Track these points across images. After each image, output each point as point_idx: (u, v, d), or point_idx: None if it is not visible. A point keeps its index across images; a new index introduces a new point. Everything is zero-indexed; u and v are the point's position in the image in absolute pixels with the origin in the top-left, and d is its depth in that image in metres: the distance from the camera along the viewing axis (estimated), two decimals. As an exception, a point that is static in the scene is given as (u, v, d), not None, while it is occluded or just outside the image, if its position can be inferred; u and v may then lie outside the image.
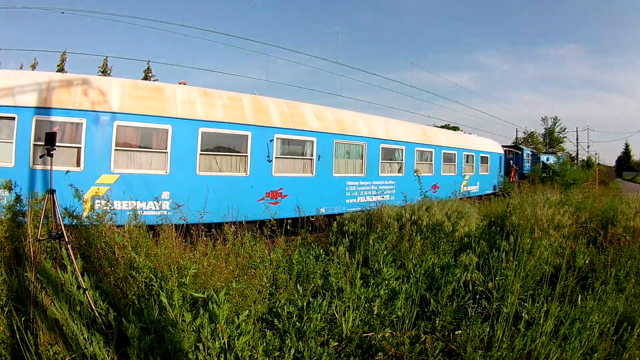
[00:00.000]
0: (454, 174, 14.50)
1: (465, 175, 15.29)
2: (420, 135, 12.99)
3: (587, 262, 4.35)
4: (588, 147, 55.07)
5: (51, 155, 3.50)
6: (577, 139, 46.67)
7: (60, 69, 17.74)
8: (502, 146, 23.33)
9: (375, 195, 10.62)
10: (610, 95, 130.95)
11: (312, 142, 9.23)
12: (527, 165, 25.93)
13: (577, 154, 44.59)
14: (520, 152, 25.85)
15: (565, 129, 56.73)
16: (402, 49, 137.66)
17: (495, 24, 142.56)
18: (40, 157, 5.95)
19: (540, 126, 67.96)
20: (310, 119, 9.37)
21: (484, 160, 17.22)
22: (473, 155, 16.23)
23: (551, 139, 55.21)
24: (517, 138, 46.60)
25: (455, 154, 14.68)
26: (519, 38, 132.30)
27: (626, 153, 79.78)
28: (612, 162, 76.66)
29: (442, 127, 23.95)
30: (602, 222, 5.87)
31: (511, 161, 23.37)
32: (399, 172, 11.72)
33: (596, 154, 66.07)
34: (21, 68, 18.31)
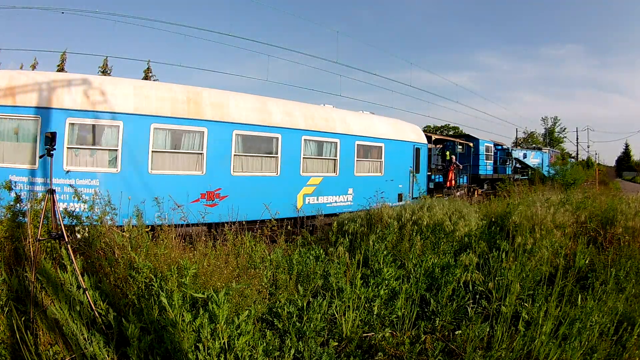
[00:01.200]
0: (274, 174, 8.64)
1: (310, 176, 9.29)
2: (179, 102, 7.48)
3: (587, 262, 4.36)
4: (588, 147, 55.30)
5: (51, 156, 3.52)
6: (577, 139, 47.05)
7: (60, 69, 17.73)
8: (450, 135, 18.85)
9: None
10: (610, 95, 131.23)
11: None
12: (485, 164, 19.25)
13: (577, 153, 44.66)
14: (472, 145, 18.21)
15: (565, 129, 56.84)
16: (402, 49, 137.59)
17: (495, 24, 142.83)
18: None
19: (540, 126, 68.11)
20: None
21: (369, 152, 10.67)
22: (335, 143, 9.75)
23: (551, 139, 55.17)
24: (517, 138, 46.54)
25: (276, 139, 8.59)
26: (519, 38, 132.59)
27: (626, 153, 79.90)
28: (612, 162, 77.01)
29: (442, 127, 21.43)
30: (602, 222, 5.86)
31: (454, 157, 16.38)
32: (111, 167, 6.86)
33: (596, 154, 66.22)
34: (21, 68, 18.30)
